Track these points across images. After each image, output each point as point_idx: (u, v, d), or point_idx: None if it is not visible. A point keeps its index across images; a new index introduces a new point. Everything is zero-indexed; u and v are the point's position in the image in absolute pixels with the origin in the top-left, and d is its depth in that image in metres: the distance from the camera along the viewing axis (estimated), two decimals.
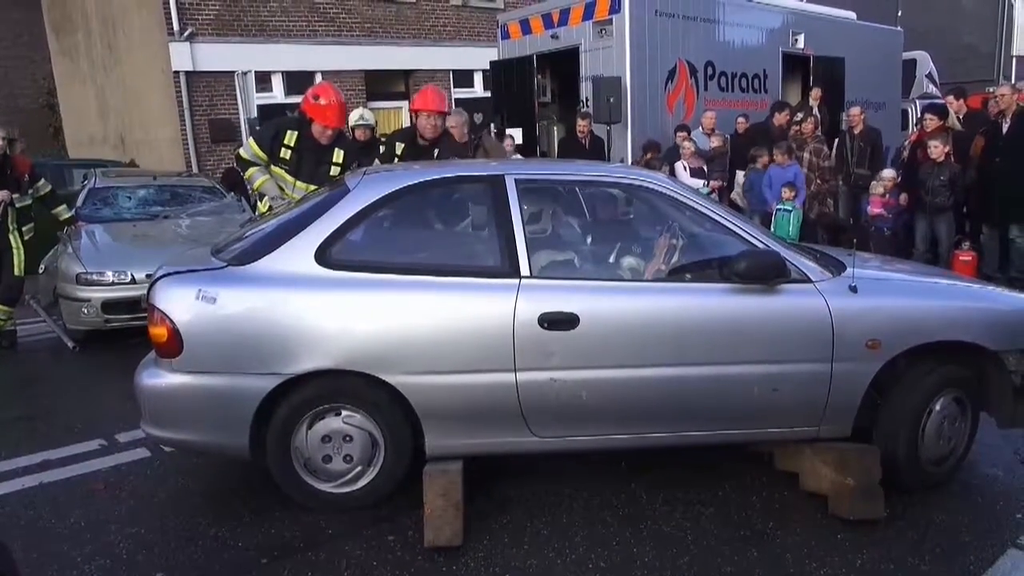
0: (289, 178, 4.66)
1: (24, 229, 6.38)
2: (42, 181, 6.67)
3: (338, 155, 4.78)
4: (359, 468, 3.26)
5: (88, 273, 6.19)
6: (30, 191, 6.50)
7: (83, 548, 3.07)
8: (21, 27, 17.63)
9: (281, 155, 4.63)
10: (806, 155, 8.28)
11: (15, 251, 6.30)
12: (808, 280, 3.28)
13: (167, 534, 3.18)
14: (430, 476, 3.06)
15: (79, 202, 7.60)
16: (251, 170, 4.70)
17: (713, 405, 3.28)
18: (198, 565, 2.95)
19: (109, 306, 6.13)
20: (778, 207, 7.69)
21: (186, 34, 12.38)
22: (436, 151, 5.02)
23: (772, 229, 7.17)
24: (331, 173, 4.67)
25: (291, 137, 4.63)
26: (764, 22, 10.80)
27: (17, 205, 6.26)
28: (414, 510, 3.15)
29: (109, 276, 6.19)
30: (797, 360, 3.23)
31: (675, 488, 3.45)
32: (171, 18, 12.26)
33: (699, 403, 3.27)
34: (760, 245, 3.32)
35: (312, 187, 4.56)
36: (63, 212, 6.88)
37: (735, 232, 3.36)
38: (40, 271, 6.83)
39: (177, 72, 12.46)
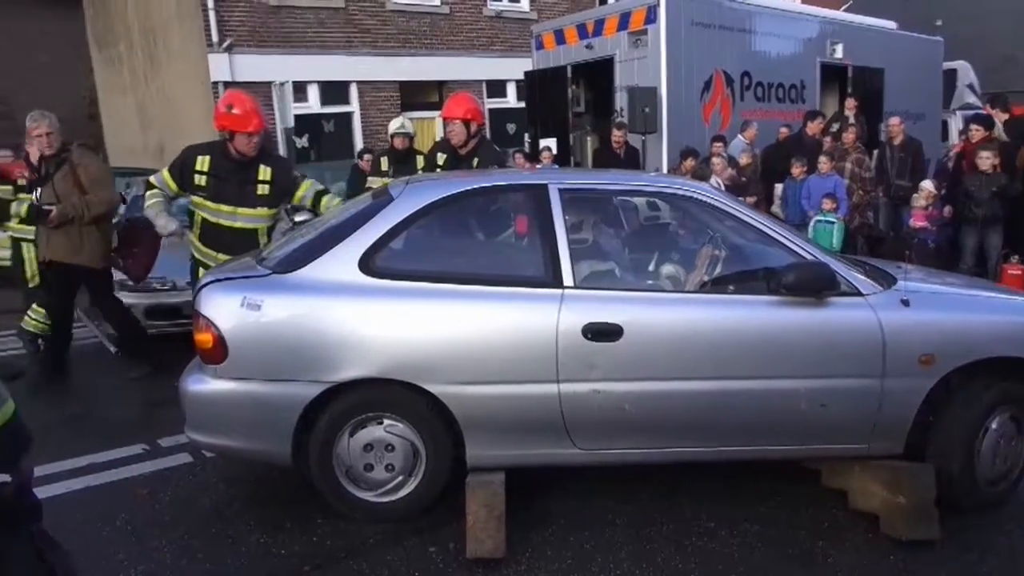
0: (211, 204, 4.33)
1: None
2: None
3: (264, 172, 4.40)
4: (400, 478, 3.25)
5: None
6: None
7: (128, 552, 3.10)
8: (64, 39, 18.03)
9: (196, 183, 4.31)
10: (848, 165, 8.16)
11: None
12: (858, 293, 3.21)
13: (210, 540, 3.19)
14: (472, 487, 3.03)
15: (122, 210, 7.72)
16: (150, 192, 4.43)
17: (759, 420, 3.22)
18: (241, 572, 2.95)
19: (151, 312, 6.21)
20: (819, 218, 7.56)
21: (225, 45, 12.58)
22: (476, 160, 4.98)
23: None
24: (260, 192, 4.39)
25: (203, 162, 4.31)
26: (802, 32, 10.69)
27: None
28: (455, 521, 3.13)
29: (151, 282, 6.27)
30: (846, 375, 3.17)
31: (720, 504, 3.39)
32: (210, 30, 12.47)
33: (744, 417, 3.21)
34: (809, 257, 3.26)
35: (242, 210, 4.36)
36: None
37: (783, 243, 3.31)
38: None
39: (216, 83, 12.64)
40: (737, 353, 3.17)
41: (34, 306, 6.28)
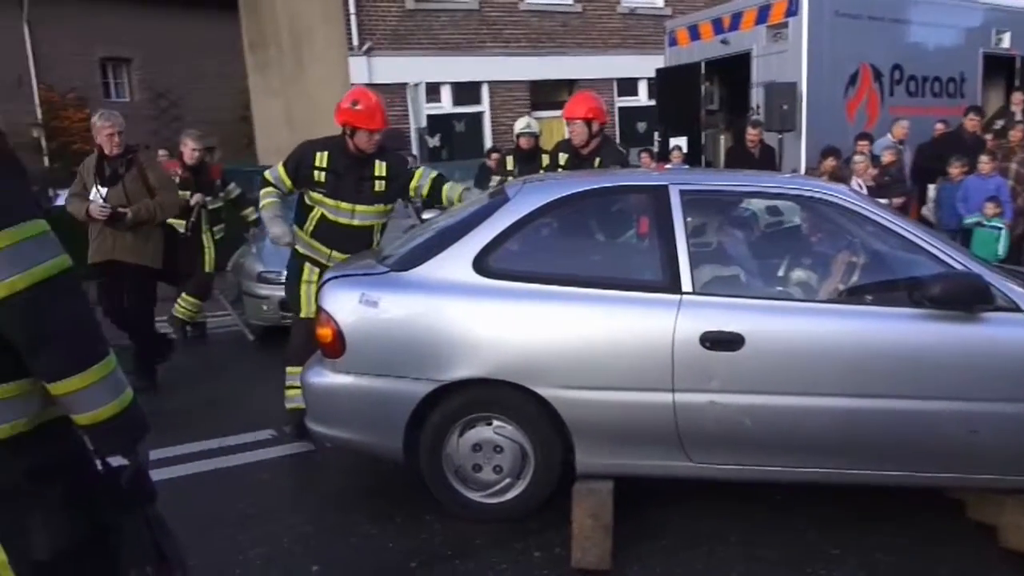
0: (329, 201, 4.18)
1: (215, 229, 6.91)
2: (232, 185, 7.25)
3: (380, 168, 4.24)
4: (508, 480, 3.22)
5: (268, 272, 6.61)
6: (221, 194, 7.06)
7: (249, 534, 3.25)
8: (225, 45, 19.41)
9: (316, 179, 4.17)
10: (1013, 166, 7.39)
11: (207, 250, 6.86)
12: (1018, 308, 2.88)
13: (323, 528, 3.29)
14: (579, 494, 2.96)
15: None
16: (266, 190, 4.28)
17: (895, 443, 2.96)
18: (350, 562, 3.02)
19: (286, 304, 6.53)
20: (980, 223, 6.89)
21: (364, 48, 13.09)
22: (597, 160, 4.88)
23: (969, 248, 6.45)
24: (376, 189, 4.23)
25: (321, 158, 4.16)
26: (962, 20, 9.85)
27: (210, 207, 6.81)
28: (562, 527, 3.06)
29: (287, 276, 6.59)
30: (1002, 399, 2.86)
31: (846, 531, 3.13)
32: (351, 33, 13.01)
33: (878, 440, 2.96)
34: (958, 266, 2.96)
35: (360, 207, 4.20)
36: (250, 214, 7.41)
37: (929, 251, 3.02)
38: (228, 269, 7.42)
39: (355, 84, 13.19)
40: (873, 369, 2.92)
41: (183, 294, 6.77)
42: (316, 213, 4.22)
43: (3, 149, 1.47)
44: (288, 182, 4.24)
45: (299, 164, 4.20)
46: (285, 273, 4.88)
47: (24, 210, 1.44)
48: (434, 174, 4.36)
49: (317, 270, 4.16)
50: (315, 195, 4.20)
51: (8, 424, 1.44)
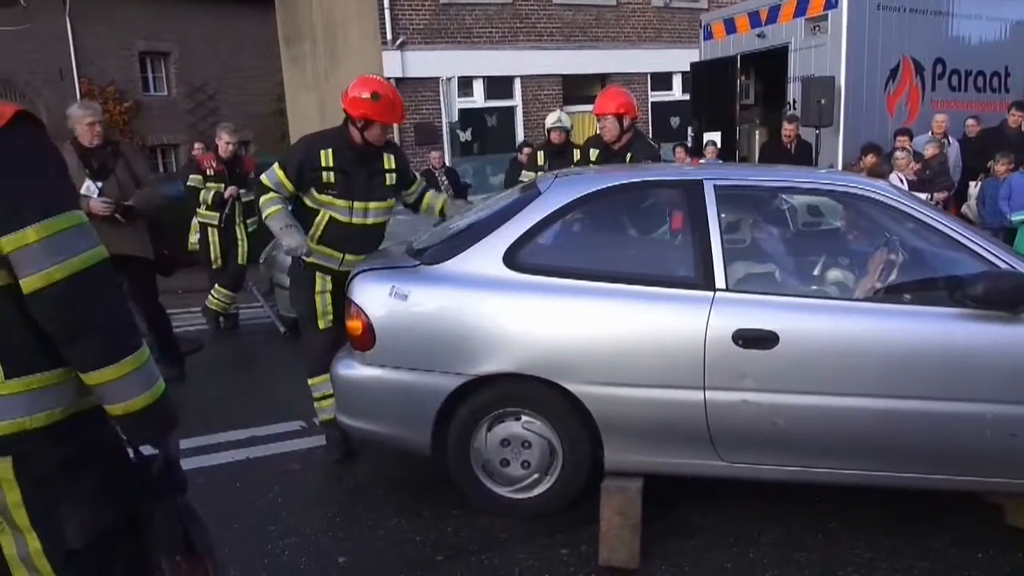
0: (340, 202, 3.78)
1: (248, 222, 6.99)
2: None
3: (389, 160, 3.95)
4: (536, 475, 3.21)
5: None
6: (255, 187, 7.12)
7: (277, 524, 3.27)
8: (261, 40, 19.60)
9: (324, 180, 3.74)
10: None
11: (240, 242, 6.95)
12: None
13: (351, 520, 3.30)
14: (608, 492, 2.93)
15: None
16: (264, 198, 3.76)
17: (932, 446, 2.89)
18: (377, 554, 3.03)
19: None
20: None
21: (398, 43, 13.12)
22: (629, 155, 4.83)
23: (1014, 247, 6.27)
24: (388, 183, 3.94)
25: (327, 157, 3.74)
26: (1009, 13, 9.58)
27: (243, 200, 6.88)
28: (589, 524, 3.04)
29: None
30: None
31: (880, 534, 3.07)
32: (385, 27, 13.05)
33: (915, 442, 2.89)
34: (1003, 266, 2.87)
35: (373, 204, 3.87)
36: None
37: (972, 250, 2.94)
38: (260, 261, 7.50)
39: (388, 79, 13.23)
40: (911, 370, 2.85)
41: (216, 286, 6.86)
42: (323, 217, 3.80)
43: (44, 141, 1.49)
44: (290, 186, 3.76)
45: (301, 166, 3.75)
46: (288, 285, 4.47)
47: (63, 201, 1.45)
48: (424, 183, 4.25)
49: (329, 277, 3.84)
50: (323, 197, 3.78)
51: (44, 413, 1.45)
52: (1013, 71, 9.62)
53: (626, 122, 4.83)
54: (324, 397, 3.88)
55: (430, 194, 4.19)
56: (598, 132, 5.04)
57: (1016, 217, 6.78)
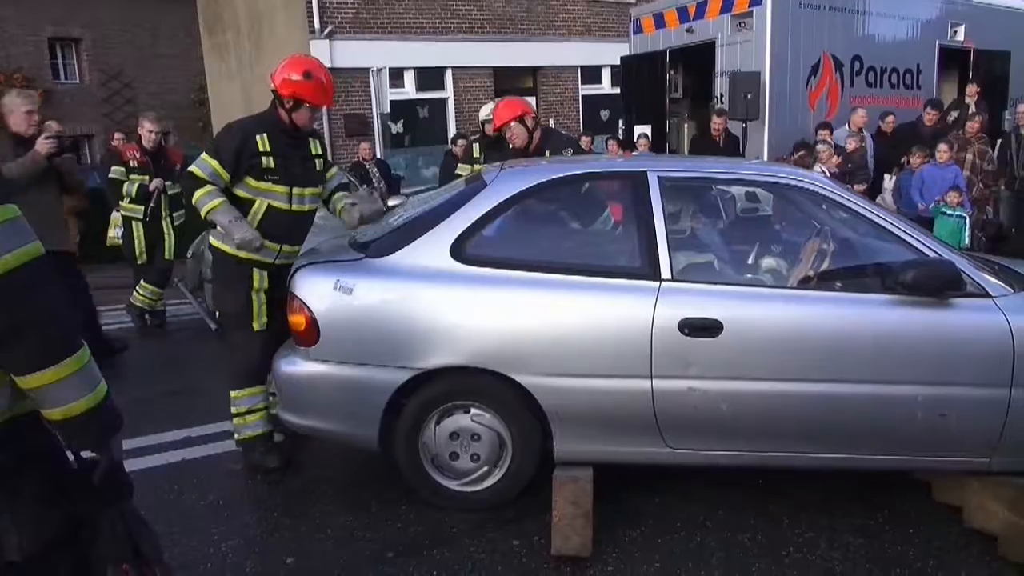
0: (280, 188, 3.61)
1: (175, 215, 6.74)
2: None
3: (315, 146, 3.83)
4: (486, 468, 3.20)
5: None
6: (181, 179, 6.86)
7: (220, 526, 3.17)
8: (179, 27, 18.92)
9: (264, 165, 3.55)
10: (968, 156, 7.59)
11: (166, 237, 6.68)
12: (986, 295, 2.94)
13: (298, 519, 3.23)
14: (560, 482, 2.95)
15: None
16: (200, 191, 3.53)
17: (868, 427, 3.01)
18: (326, 553, 2.97)
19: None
20: (943, 212, 7.02)
21: (326, 32, 12.84)
22: (547, 152, 4.78)
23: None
24: (318, 168, 3.83)
25: (263, 142, 3.55)
26: (919, 13, 10.02)
27: (169, 193, 6.62)
28: (540, 515, 3.06)
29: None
30: (970, 383, 2.92)
31: (820, 514, 3.18)
32: (313, 16, 12.75)
33: (852, 424, 3.00)
34: (931, 254, 3.01)
35: (309, 190, 3.74)
36: None
37: (902, 239, 3.06)
38: (188, 256, 7.23)
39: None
40: (847, 355, 2.96)
41: (142, 282, 6.60)
42: (260, 206, 3.60)
43: None
44: (226, 175, 3.53)
45: (239, 153, 3.52)
46: (212, 280, 4.17)
47: None
48: (343, 179, 4.13)
49: (266, 273, 3.65)
50: (261, 184, 3.58)
51: None
52: (924, 68, 10.08)
53: (530, 122, 4.79)
54: (251, 411, 3.65)
55: (338, 196, 3.97)
56: (510, 147, 4.89)
57: (933, 208, 7.08)
